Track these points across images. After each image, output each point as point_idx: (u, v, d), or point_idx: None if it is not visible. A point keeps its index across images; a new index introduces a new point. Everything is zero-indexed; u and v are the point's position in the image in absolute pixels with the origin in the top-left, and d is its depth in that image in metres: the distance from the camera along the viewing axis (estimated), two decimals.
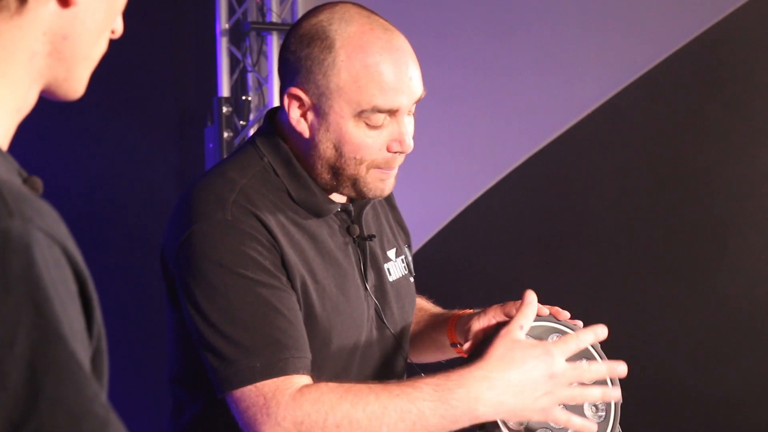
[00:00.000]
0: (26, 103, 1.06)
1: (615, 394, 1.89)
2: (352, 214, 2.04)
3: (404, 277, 2.16)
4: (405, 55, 1.90)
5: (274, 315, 1.82)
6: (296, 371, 1.81)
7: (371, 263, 2.06)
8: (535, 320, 2.02)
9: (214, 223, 1.85)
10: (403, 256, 2.18)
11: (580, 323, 2.06)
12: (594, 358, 2.04)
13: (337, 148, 1.90)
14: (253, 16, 4.70)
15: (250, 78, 4.72)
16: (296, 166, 1.95)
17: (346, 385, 1.80)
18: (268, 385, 1.79)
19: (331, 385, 1.80)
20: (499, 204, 4.33)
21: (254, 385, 1.79)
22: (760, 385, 3.97)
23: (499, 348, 1.82)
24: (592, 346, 2.04)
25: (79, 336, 0.91)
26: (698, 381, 4.02)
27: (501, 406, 1.78)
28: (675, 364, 4.09)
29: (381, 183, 1.95)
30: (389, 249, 2.14)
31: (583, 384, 1.88)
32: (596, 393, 1.86)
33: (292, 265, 1.88)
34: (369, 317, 2.03)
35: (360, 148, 1.90)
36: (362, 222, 2.05)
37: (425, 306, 2.32)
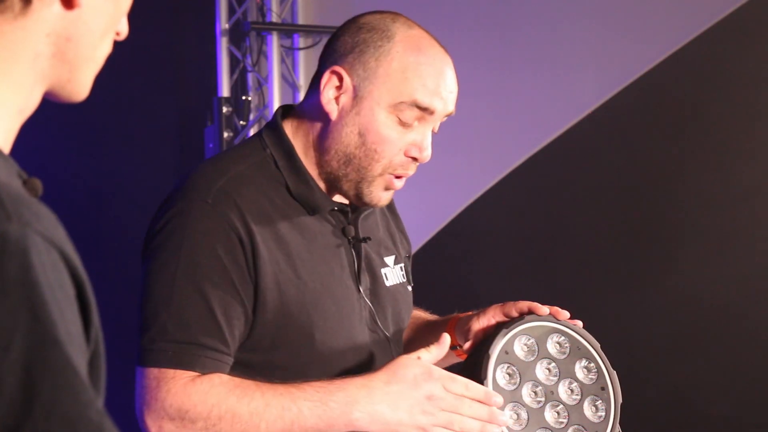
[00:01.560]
0: (29, 104, 1.06)
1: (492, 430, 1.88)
2: (349, 215, 2.04)
3: (402, 285, 2.15)
4: (452, 72, 1.98)
5: (205, 314, 1.85)
6: (203, 369, 1.84)
7: (366, 266, 2.05)
8: (535, 320, 2.02)
9: (193, 204, 1.88)
10: (402, 265, 2.17)
11: (579, 323, 2.06)
12: (595, 360, 2.05)
13: (361, 135, 1.93)
14: (253, 16, 4.70)
15: (250, 78, 4.72)
16: (297, 160, 1.97)
17: (237, 380, 1.83)
18: (168, 372, 1.83)
19: (225, 378, 1.83)
20: (499, 204, 4.32)
21: (158, 368, 1.83)
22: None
23: (389, 364, 1.86)
24: (594, 349, 2.04)
25: (75, 340, 0.91)
26: (689, 379, 4.03)
27: (376, 414, 1.81)
28: (670, 364, 4.09)
29: (383, 193, 1.97)
30: (387, 255, 2.13)
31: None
32: (474, 426, 1.85)
33: (265, 259, 1.88)
34: (362, 319, 2.02)
35: (383, 141, 1.92)
36: (359, 224, 2.05)
37: (421, 315, 2.31)
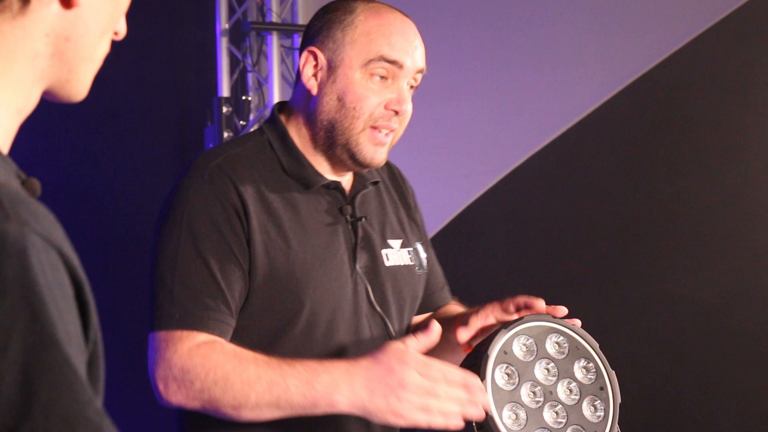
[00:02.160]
0: (28, 104, 1.06)
1: (457, 424, 1.90)
2: (346, 193, 2.14)
3: (406, 267, 2.22)
4: (414, 30, 2.14)
5: (207, 278, 1.98)
6: (208, 329, 1.96)
7: (364, 245, 2.14)
8: (533, 320, 2.02)
9: (193, 181, 2.05)
10: (410, 249, 2.25)
11: (578, 321, 2.06)
12: (594, 360, 2.05)
13: (340, 98, 2.08)
14: (253, 16, 4.70)
15: (250, 78, 4.72)
16: (290, 141, 2.13)
17: (237, 351, 1.94)
18: (176, 334, 1.96)
19: (227, 347, 1.95)
20: (500, 204, 4.33)
21: (167, 331, 1.96)
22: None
23: (375, 351, 1.92)
24: (592, 349, 2.05)
25: (74, 340, 0.91)
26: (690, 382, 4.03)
27: (355, 398, 1.88)
28: (667, 365, 4.10)
29: (374, 147, 2.09)
30: (392, 238, 2.22)
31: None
32: (453, 408, 1.88)
33: (255, 229, 2.02)
34: (356, 293, 2.10)
35: (361, 98, 2.07)
36: (356, 204, 2.15)
37: (453, 309, 2.36)
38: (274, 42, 4.65)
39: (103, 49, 1.10)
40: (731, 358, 3.98)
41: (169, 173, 4.73)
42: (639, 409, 3.60)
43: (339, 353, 2.06)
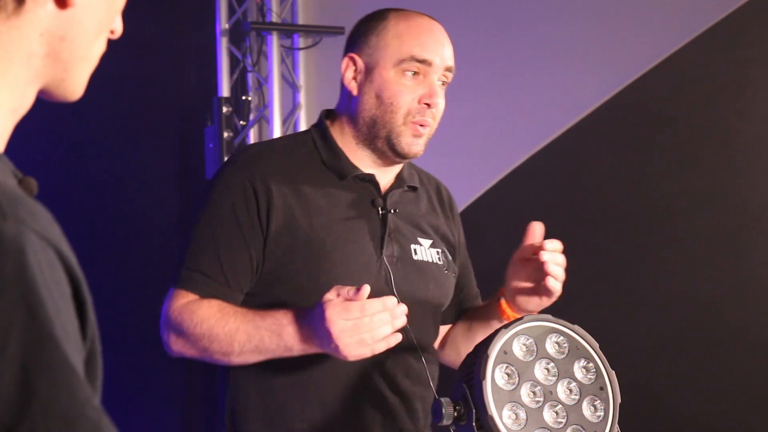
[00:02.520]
0: (23, 103, 1.06)
1: (395, 339, 2.08)
2: (380, 187, 2.33)
3: (434, 264, 2.39)
4: (442, 31, 2.36)
5: (212, 253, 2.25)
6: (200, 292, 2.23)
7: (394, 237, 2.32)
8: (533, 320, 2.03)
9: (227, 165, 2.34)
10: (438, 250, 2.42)
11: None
12: (594, 360, 2.05)
13: (378, 96, 2.29)
14: (253, 16, 4.70)
15: (250, 78, 4.72)
16: (330, 137, 2.35)
17: (223, 306, 2.21)
18: (176, 292, 2.24)
19: (213, 303, 2.21)
20: (500, 204, 4.32)
21: (174, 288, 2.25)
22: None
23: (311, 311, 2.11)
24: (591, 348, 2.05)
25: (72, 338, 0.91)
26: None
27: (317, 346, 2.11)
28: (667, 364, 4.10)
29: (412, 138, 2.29)
30: (422, 237, 2.39)
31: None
32: (382, 331, 2.04)
33: (279, 209, 2.24)
34: (379, 280, 2.26)
35: (396, 94, 2.28)
36: (389, 199, 2.33)
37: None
38: (274, 42, 4.65)
39: (98, 49, 1.10)
40: (732, 357, 3.99)
41: (169, 173, 4.73)
42: (639, 408, 3.59)
43: None
